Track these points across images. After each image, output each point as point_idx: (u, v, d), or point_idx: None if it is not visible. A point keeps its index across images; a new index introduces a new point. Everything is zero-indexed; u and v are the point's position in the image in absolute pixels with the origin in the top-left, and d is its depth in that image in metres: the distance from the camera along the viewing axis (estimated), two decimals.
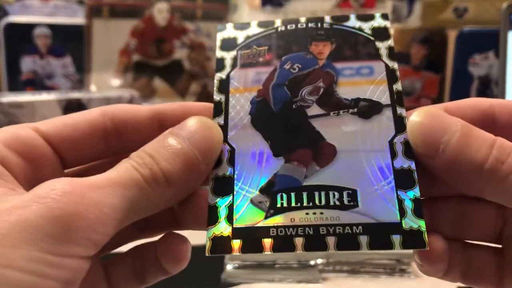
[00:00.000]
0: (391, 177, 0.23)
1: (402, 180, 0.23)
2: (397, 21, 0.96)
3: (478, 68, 0.85)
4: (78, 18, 0.94)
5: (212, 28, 0.96)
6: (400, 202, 0.22)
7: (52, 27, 0.91)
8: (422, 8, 0.94)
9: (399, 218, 0.22)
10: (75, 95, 0.74)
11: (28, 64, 0.90)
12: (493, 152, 0.21)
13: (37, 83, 0.91)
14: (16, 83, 0.90)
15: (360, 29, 0.27)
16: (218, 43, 0.27)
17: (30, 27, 0.90)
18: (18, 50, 0.90)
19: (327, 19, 0.27)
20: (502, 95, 0.70)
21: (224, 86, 0.26)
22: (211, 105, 0.26)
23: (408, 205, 0.22)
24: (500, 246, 0.25)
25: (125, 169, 0.21)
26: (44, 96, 0.72)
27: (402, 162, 0.23)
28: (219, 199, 0.23)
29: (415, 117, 0.23)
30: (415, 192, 0.23)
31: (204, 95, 0.97)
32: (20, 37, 0.90)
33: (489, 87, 0.86)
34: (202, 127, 0.23)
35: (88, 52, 0.92)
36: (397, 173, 0.23)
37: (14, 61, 0.90)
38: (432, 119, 0.23)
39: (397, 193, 0.23)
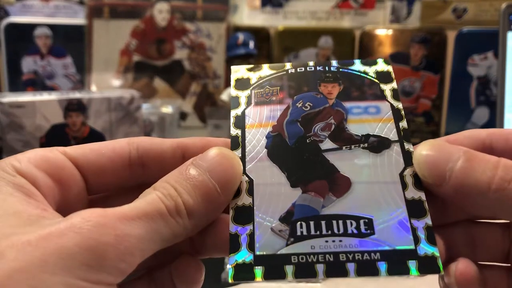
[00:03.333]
0: (403, 207, 0.24)
1: (414, 209, 0.24)
2: (396, 21, 0.97)
3: (477, 69, 0.85)
4: (78, 19, 0.94)
5: (212, 29, 0.96)
6: (414, 230, 0.24)
7: (53, 27, 0.91)
8: (421, 8, 0.95)
9: (413, 245, 0.23)
10: (76, 95, 0.74)
11: (29, 64, 0.91)
12: (498, 173, 0.22)
13: (37, 83, 0.91)
14: (17, 84, 0.90)
15: (365, 72, 0.29)
16: (232, 83, 0.29)
17: (30, 27, 0.90)
18: (19, 51, 0.90)
19: (334, 63, 0.29)
20: (501, 95, 0.70)
21: (240, 122, 0.27)
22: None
23: (421, 232, 0.23)
24: (510, 265, 0.26)
25: (151, 200, 0.22)
26: (44, 96, 0.72)
27: (413, 193, 0.25)
28: (240, 227, 0.24)
29: (420, 150, 0.24)
30: (427, 221, 0.24)
31: (204, 95, 0.97)
32: (21, 37, 0.90)
33: (488, 87, 0.86)
34: (223, 158, 0.24)
35: (88, 52, 0.93)
36: (409, 203, 0.24)
37: (15, 62, 0.90)
38: (436, 150, 0.24)
39: (410, 221, 0.24)
